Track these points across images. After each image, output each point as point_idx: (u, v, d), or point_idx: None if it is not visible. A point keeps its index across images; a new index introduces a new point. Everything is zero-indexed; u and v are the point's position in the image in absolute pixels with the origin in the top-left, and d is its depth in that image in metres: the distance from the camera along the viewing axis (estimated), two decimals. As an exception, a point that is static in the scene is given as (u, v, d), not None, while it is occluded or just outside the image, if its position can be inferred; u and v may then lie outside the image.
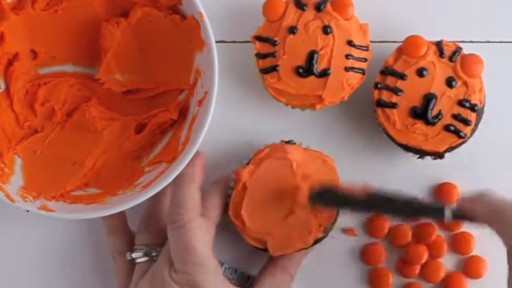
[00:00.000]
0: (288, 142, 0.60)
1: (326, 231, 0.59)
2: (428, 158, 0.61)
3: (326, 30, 0.60)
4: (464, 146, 0.60)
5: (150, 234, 0.61)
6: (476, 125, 0.60)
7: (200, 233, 0.56)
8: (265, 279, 0.60)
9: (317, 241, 0.59)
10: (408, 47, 0.60)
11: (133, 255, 0.60)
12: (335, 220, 0.60)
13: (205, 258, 0.56)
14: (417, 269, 0.63)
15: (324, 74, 0.60)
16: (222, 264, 0.58)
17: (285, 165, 0.59)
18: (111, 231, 0.62)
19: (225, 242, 0.62)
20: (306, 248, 0.59)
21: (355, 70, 0.60)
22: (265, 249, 0.59)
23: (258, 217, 0.59)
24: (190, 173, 0.59)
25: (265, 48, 0.61)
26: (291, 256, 0.60)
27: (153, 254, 0.59)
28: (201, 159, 0.60)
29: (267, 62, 0.61)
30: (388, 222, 0.63)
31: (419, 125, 0.59)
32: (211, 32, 0.59)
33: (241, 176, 0.59)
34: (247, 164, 0.59)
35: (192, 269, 0.56)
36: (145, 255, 0.59)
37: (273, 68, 0.61)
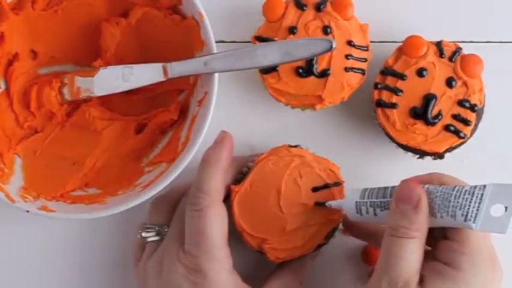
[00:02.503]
0: (295, 147, 0.60)
1: (327, 238, 0.59)
2: (428, 158, 0.61)
3: (326, 30, 0.60)
4: (464, 146, 0.60)
5: (162, 214, 0.60)
6: (476, 125, 0.60)
7: (216, 221, 0.55)
8: (273, 282, 0.59)
9: (318, 247, 0.58)
10: (408, 47, 0.60)
11: (144, 234, 0.59)
12: (337, 227, 0.59)
13: (216, 246, 0.55)
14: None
15: (324, 74, 0.60)
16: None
17: (288, 170, 0.58)
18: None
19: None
20: (307, 254, 0.59)
21: (355, 70, 0.60)
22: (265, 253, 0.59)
23: (259, 222, 0.58)
24: (215, 156, 0.57)
25: (265, 48, 0.61)
26: (301, 260, 0.59)
27: (165, 234, 0.59)
28: (229, 141, 0.58)
29: (267, 62, 0.61)
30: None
31: (419, 125, 0.59)
32: (211, 32, 0.59)
33: (234, 194, 0.58)
34: (250, 167, 0.59)
35: (200, 254, 0.54)
36: (156, 234, 0.59)
37: (273, 68, 0.61)
